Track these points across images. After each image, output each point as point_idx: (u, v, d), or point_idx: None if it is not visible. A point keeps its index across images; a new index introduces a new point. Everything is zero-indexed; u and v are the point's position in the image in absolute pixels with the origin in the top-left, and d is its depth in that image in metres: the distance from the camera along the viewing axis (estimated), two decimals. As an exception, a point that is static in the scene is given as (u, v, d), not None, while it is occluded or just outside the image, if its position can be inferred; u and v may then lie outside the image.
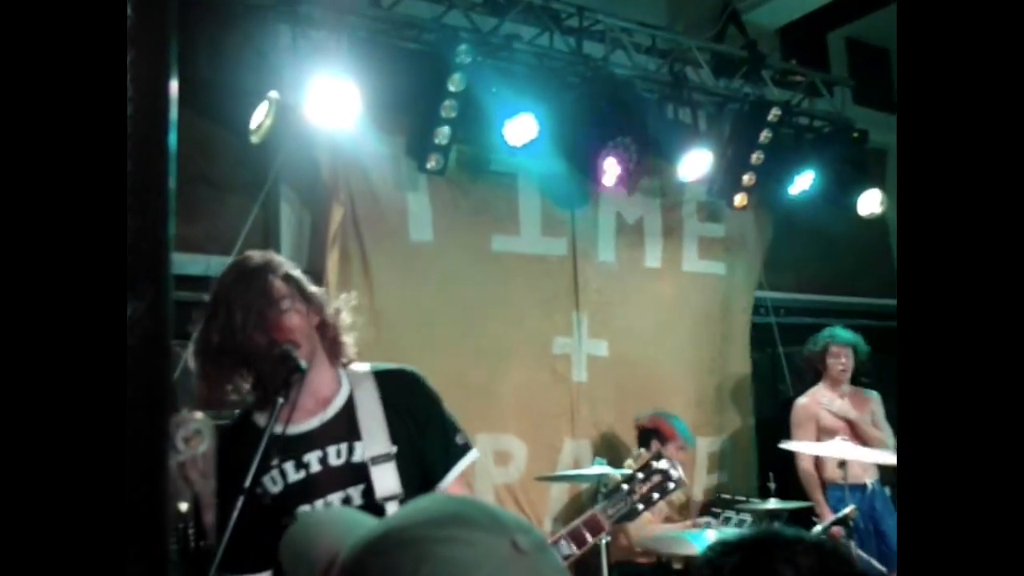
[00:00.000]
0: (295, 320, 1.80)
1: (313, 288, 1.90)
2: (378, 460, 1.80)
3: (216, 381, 1.79)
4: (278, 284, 1.81)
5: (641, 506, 1.92)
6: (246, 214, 3.78)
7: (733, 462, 5.01)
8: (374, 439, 1.82)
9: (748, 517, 3.84)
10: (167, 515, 0.68)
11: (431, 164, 4.01)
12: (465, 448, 1.92)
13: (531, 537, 0.73)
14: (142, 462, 0.65)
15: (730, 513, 3.93)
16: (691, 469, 4.65)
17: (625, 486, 1.92)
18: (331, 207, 3.93)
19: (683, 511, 4.53)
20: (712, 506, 4.40)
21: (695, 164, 4.51)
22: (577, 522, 1.89)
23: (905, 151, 1.07)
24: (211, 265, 3.26)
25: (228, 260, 1.97)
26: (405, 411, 1.86)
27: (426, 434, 1.87)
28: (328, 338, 1.88)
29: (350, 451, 1.82)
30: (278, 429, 1.69)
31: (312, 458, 1.80)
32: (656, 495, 1.93)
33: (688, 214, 4.94)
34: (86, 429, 0.61)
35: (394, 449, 1.81)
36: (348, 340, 1.91)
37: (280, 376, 1.73)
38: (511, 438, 4.26)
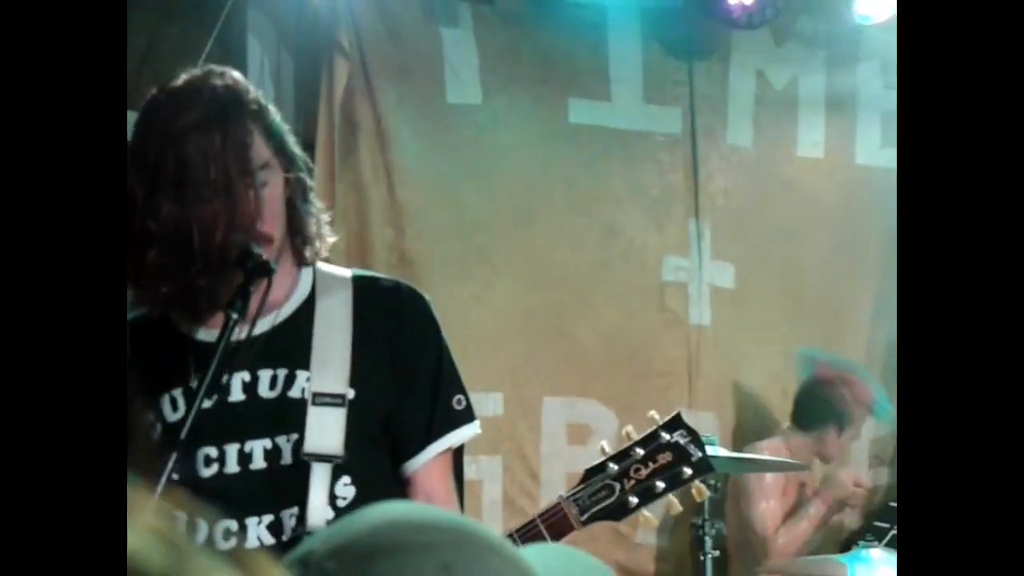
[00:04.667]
0: (272, 200, 1.67)
1: (299, 150, 1.76)
2: (322, 401, 1.71)
3: (129, 267, 1.64)
4: (258, 139, 1.66)
5: (635, 499, 1.76)
6: (195, 51, 3.24)
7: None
8: (326, 371, 1.73)
9: None
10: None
11: None
12: (463, 416, 1.82)
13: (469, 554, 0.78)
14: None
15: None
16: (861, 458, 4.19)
17: (613, 467, 1.77)
18: (331, 52, 3.51)
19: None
20: (880, 517, 4.04)
21: (882, -1, 3.91)
22: (533, 517, 1.78)
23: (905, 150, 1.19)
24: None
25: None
26: (385, 343, 1.77)
27: (409, 383, 1.78)
28: (296, 222, 1.75)
29: (289, 381, 1.72)
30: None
31: (235, 381, 1.70)
32: (660, 484, 1.76)
33: (868, 77, 4.29)
34: None
35: (350, 393, 1.72)
36: (325, 232, 1.79)
37: (234, 279, 1.61)
38: (593, 404, 3.85)
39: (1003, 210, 1.12)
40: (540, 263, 3.78)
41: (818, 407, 3.68)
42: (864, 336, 4.28)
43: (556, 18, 3.75)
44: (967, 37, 1.16)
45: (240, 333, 1.67)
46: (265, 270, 1.61)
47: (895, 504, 3.87)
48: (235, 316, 1.60)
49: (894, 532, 3.68)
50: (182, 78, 1.67)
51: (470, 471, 3.10)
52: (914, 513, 1.13)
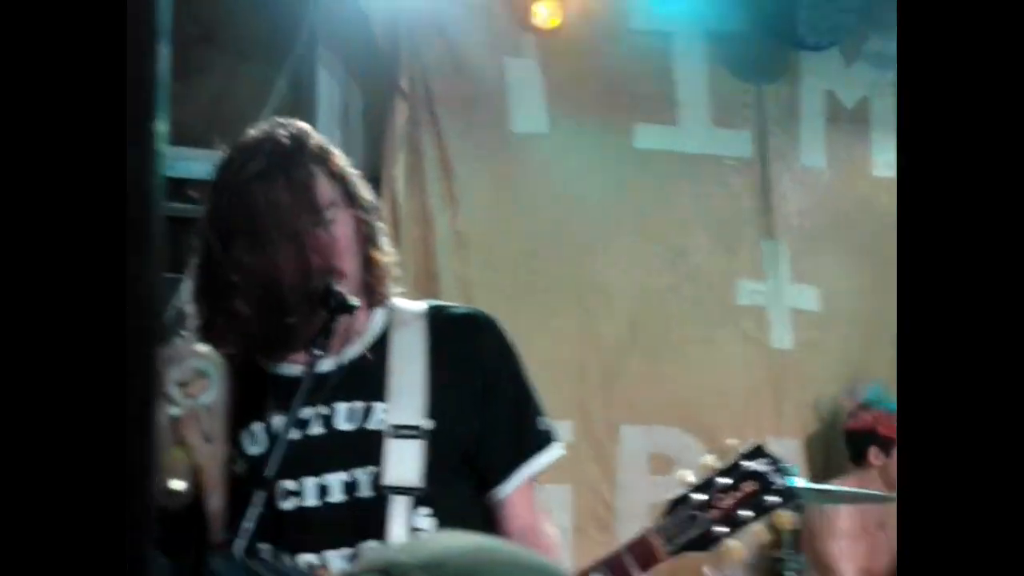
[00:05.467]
0: (342, 237, 1.71)
1: (366, 191, 1.80)
2: (401, 433, 1.72)
3: (217, 320, 1.72)
4: (322, 180, 1.71)
5: (722, 529, 1.75)
6: (267, 90, 3.46)
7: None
8: (403, 403, 1.74)
9: None
10: (151, 498, 0.61)
11: (540, 17, 3.64)
12: (546, 438, 1.83)
13: None
14: (114, 416, 0.59)
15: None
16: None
17: (698, 497, 1.75)
18: (396, 86, 3.60)
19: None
20: None
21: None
22: (619, 549, 1.75)
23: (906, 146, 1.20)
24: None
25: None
26: (462, 371, 1.79)
27: (490, 410, 1.78)
28: (367, 259, 1.77)
29: (366, 414, 1.74)
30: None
31: (313, 416, 1.71)
32: (747, 513, 1.75)
33: None
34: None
35: (428, 423, 1.72)
36: (393, 270, 1.81)
37: (317, 318, 1.66)
38: (675, 432, 3.80)
39: (1003, 211, 1.12)
40: (610, 289, 3.76)
41: (862, 442, 3.64)
42: None
43: (620, 44, 3.77)
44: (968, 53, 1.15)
45: (320, 366, 1.69)
46: (347, 307, 1.65)
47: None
48: (319, 353, 1.64)
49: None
50: (250, 134, 1.75)
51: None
52: (914, 513, 1.12)
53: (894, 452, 3.55)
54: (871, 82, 4.08)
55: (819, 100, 4.05)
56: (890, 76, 4.09)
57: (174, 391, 1.36)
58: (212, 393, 1.38)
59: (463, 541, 0.82)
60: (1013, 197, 1.10)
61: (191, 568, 1.64)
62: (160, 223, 0.63)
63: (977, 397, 1.10)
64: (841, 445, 3.90)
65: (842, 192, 4.08)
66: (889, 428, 3.60)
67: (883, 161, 4.13)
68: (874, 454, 3.58)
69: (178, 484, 1.24)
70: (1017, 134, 1.12)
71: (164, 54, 0.65)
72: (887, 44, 4.05)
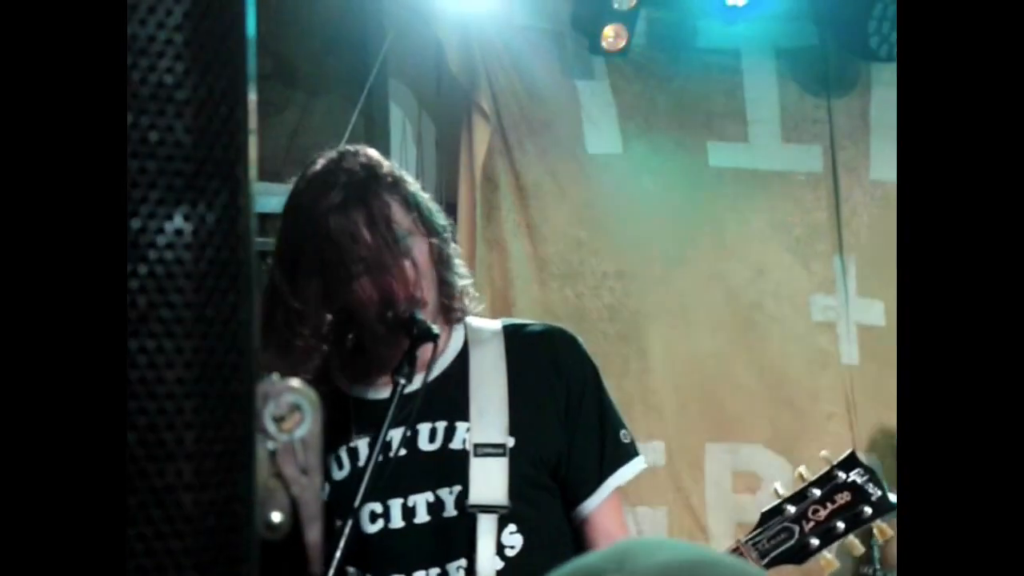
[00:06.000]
0: (420, 264, 1.68)
1: (439, 215, 1.77)
2: (484, 452, 1.70)
3: (291, 353, 1.68)
4: (397, 208, 1.68)
5: (816, 541, 1.73)
6: (341, 124, 3.43)
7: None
8: (486, 422, 1.72)
9: None
10: (255, 532, 0.63)
11: (609, 41, 3.61)
12: (631, 450, 1.81)
13: None
14: (217, 452, 0.59)
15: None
16: None
17: (791, 509, 1.74)
18: (470, 114, 3.57)
19: None
20: None
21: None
22: None
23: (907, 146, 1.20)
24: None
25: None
26: (542, 388, 1.76)
27: (573, 426, 1.76)
28: (444, 282, 1.76)
29: (449, 434, 1.73)
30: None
31: (396, 437, 1.67)
32: (841, 525, 1.72)
33: None
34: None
35: (510, 441, 1.71)
36: (470, 290, 1.81)
37: (399, 345, 1.64)
38: (760, 450, 3.74)
39: (1002, 214, 1.10)
40: (691, 307, 3.72)
41: None
42: None
43: (690, 64, 3.75)
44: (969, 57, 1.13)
45: (400, 391, 1.67)
46: (430, 336, 1.63)
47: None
48: (403, 381, 1.62)
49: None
50: (319, 163, 1.71)
51: (629, 521, 3.07)
52: (914, 515, 1.11)
53: None
54: (942, 92, 4.00)
55: (890, 112, 3.91)
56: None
57: (270, 426, 1.37)
58: (307, 426, 1.33)
59: (690, 550, 0.78)
60: (1013, 198, 1.09)
61: None
62: (256, 262, 0.64)
63: (978, 398, 1.08)
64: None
65: (912, 205, 3.99)
66: None
67: None
68: None
69: (277, 516, 1.22)
70: (1017, 135, 1.10)
71: (252, 100, 0.65)
72: (958, 53, 4.01)
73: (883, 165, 3.98)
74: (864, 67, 3.84)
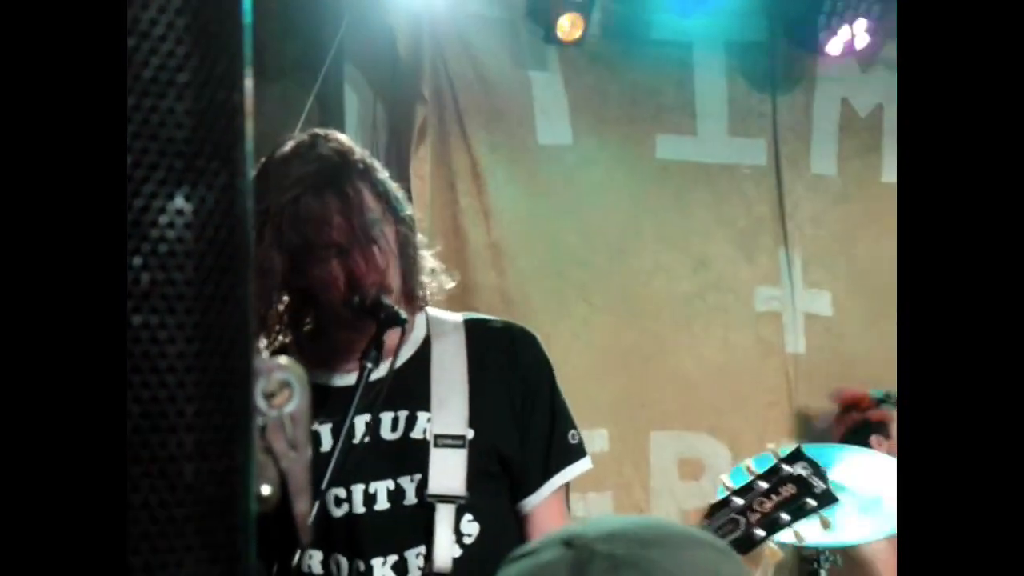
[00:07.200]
0: (388, 251, 1.68)
1: (405, 203, 1.78)
2: (444, 443, 1.71)
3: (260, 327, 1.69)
4: (368, 195, 1.68)
5: (761, 532, 1.74)
6: (296, 109, 3.36)
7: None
8: (447, 413, 1.73)
9: None
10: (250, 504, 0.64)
11: (565, 30, 3.57)
12: (578, 451, 1.83)
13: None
14: (216, 424, 0.60)
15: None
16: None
17: (738, 501, 1.74)
18: (422, 102, 3.53)
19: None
20: None
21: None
22: None
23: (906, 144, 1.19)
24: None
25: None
26: (500, 383, 1.78)
27: (527, 421, 1.78)
28: (407, 270, 1.76)
29: (410, 423, 1.73)
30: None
31: (359, 424, 1.67)
32: (786, 516, 1.74)
33: None
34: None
35: (470, 433, 1.72)
36: (429, 278, 1.81)
37: (364, 331, 1.64)
38: (705, 439, 3.77)
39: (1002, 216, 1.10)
40: (635, 298, 3.72)
41: (862, 431, 3.57)
42: None
43: (642, 56, 3.74)
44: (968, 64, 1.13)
45: (365, 377, 1.66)
46: (398, 321, 1.63)
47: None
48: (370, 365, 1.61)
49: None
50: (289, 145, 1.70)
51: (577, 508, 3.07)
52: (913, 516, 1.12)
53: (892, 432, 3.55)
54: (885, 90, 4.04)
55: (833, 108, 4.02)
56: (906, 83, 4.17)
57: (260, 402, 1.37)
58: (296, 402, 1.35)
59: (638, 518, 0.85)
60: (1013, 198, 1.09)
61: (282, 569, 1.66)
62: (252, 244, 0.65)
63: (978, 398, 1.08)
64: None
65: (852, 199, 4.05)
66: (878, 414, 3.59)
67: (893, 169, 4.06)
68: (876, 441, 3.55)
69: (266, 489, 1.24)
70: (1017, 136, 1.10)
71: (249, 84, 0.66)
72: (902, 52, 4.07)
73: (824, 160, 4.02)
74: (810, 63, 3.87)
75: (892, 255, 4.00)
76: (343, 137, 1.75)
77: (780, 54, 3.86)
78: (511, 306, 3.39)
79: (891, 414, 3.59)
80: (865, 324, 4.01)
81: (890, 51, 3.97)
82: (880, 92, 4.04)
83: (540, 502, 1.79)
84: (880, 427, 3.57)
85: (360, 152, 1.74)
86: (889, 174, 4.08)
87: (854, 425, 3.63)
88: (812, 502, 1.76)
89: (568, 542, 0.82)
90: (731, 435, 3.71)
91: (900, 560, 1.16)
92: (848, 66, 3.91)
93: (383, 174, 1.74)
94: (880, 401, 3.66)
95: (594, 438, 3.38)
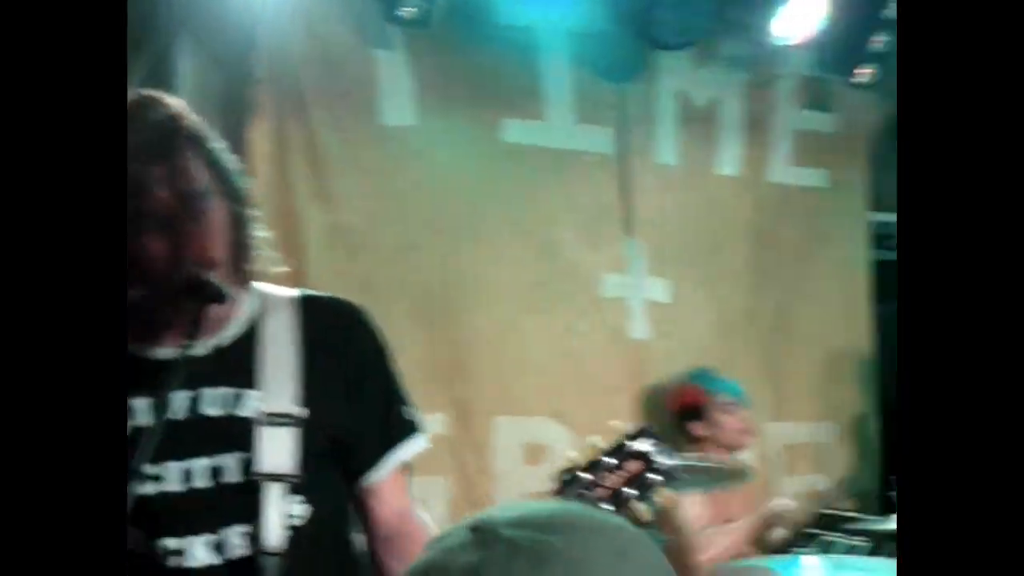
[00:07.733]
0: (215, 226, 1.62)
1: (239, 178, 1.71)
2: (273, 421, 1.68)
3: None
4: (198, 166, 1.61)
5: (608, 507, 1.77)
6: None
7: (837, 461, 4.49)
8: (275, 391, 1.70)
9: (863, 541, 3.51)
10: None
11: (407, 11, 3.52)
12: (412, 428, 1.82)
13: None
14: None
15: (834, 535, 3.60)
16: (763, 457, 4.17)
17: (586, 476, 1.77)
18: (260, 78, 3.46)
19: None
20: (814, 523, 3.98)
21: (800, 19, 3.93)
22: None
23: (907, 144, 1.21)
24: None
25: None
26: (333, 362, 1.75)
27: (358, 399, 1.76)
28: (237, 244, 1.70)
29: (237, 401, 1.69)
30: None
31: (180, 400, 1.65)
32: (631, 491, 1.77)
33: (784, 96, 4.37)
34: None
35: (300, 411, 1.69)
36: (260, 248, 1.75)
37: (189, 306, 1.58)
38: (547, 423, 3.79)
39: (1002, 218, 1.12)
40: (481, 283, 3.71)
41: (686, 419, 3.69)
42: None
43: (489, 40, 3.72)
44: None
45: (184, 352, 1.62)
46: (220, 297, 1.59)
47: (831, 511, 3.85)
48: (190, 343, 1.57)
49: (830, 536, 3.63)
50: (136, 96, 1.60)
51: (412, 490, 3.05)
52: (913, 517, 1.12)
53: (715, 417, 3.66)
54: (721, 83, 4.17)
55: (672, 100, 4.12)
56: (739, 78, 4.25)
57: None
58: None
59: (547, 504, 0.89)
60: (1013, 199, 1.11)
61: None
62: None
63: (977, 399, 1.09)
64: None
65: (691, 190, 4.15)
66: (696, 397, 3.70)
67: (726, 159, 4.24)
68: (700, 427, 3.66)
69: None
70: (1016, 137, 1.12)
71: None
72: (738, 46, 4.17)
73: (666, 150, 4.12)
74: (650, 55, 3.94)
75: (724, 245, 4.12)
76: (177, 101, 1.66)
77: (621, 45, 3.92)
78: (349, 290, 3.31)
79: (706, 396, 3.71)
80: (701, 311, 4.13)
81: (726, 47, 4.13)
82: (715, 86, 4.17)
83: (379, 479, 1.76)
84: (702, 413, 3.68)
85: (193, 118, 1.65)
86: (723, 167, 4.23)
87: (681, 409, 3.73)
88: (656, 478, 1.80)
89: (475, 527, 0.84)
90: (576, 420, 3.73)
91: (900, 560, 1.19)
92: (685, 60, 4.02)
93: (216, 144, 1.67)
94: (705, 389, 3.76)
95: (432, 422, 3.33)
